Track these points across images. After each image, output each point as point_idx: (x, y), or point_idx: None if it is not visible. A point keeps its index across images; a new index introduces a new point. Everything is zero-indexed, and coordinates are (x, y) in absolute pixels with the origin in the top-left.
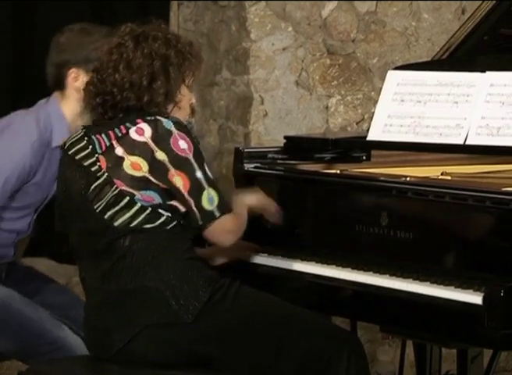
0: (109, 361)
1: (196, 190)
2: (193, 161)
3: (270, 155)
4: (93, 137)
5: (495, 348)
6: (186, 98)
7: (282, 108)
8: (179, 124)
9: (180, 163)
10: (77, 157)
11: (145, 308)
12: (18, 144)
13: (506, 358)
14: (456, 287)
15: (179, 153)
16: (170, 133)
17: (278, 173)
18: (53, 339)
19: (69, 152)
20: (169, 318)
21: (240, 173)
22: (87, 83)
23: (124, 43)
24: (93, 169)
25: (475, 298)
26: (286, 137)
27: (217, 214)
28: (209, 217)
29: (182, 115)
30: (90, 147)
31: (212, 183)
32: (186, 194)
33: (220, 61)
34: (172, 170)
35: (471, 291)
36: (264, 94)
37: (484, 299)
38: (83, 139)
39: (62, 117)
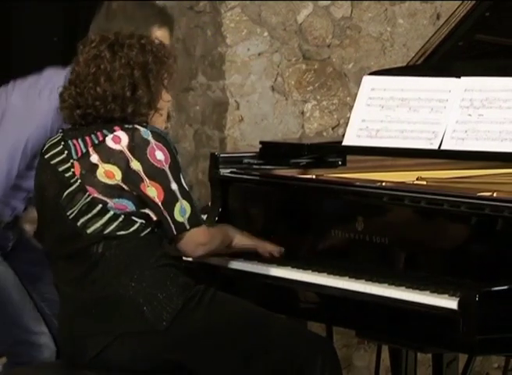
0: (83, 367)
1: (170, 201)
2: (168, 173)
3: (246, 161)
4: (69, 141)
5: (470, 352)
6: (166, 102)
7: (258, 113)
8: (157, 134)
9: (155, 174)
10: (53, 162)
11: (118, 317)
12: (43, 106)
13: (481, 363)
14: (432, 291)
15: (155, 164)
16: (147, 143)
17: (253, 178)
18: (27, 333)
19: (46, 156)
20: (142, 326)
21: (216, 179)
22: (63, 96)
23: (100, 54)
24: (67, 175)
25: (451, 303)
26: (261, 143)
27: (187, 226)
28: (180, 229)
29: (162, 120)
30: (66, 152)
31: (186, 195)
32: (160, 205)
33: (196, 66)
34: (147, 181)
35: (447, 295)
36: (240, 99)
37: (459, 304)
38: (60, 143)
39: None
